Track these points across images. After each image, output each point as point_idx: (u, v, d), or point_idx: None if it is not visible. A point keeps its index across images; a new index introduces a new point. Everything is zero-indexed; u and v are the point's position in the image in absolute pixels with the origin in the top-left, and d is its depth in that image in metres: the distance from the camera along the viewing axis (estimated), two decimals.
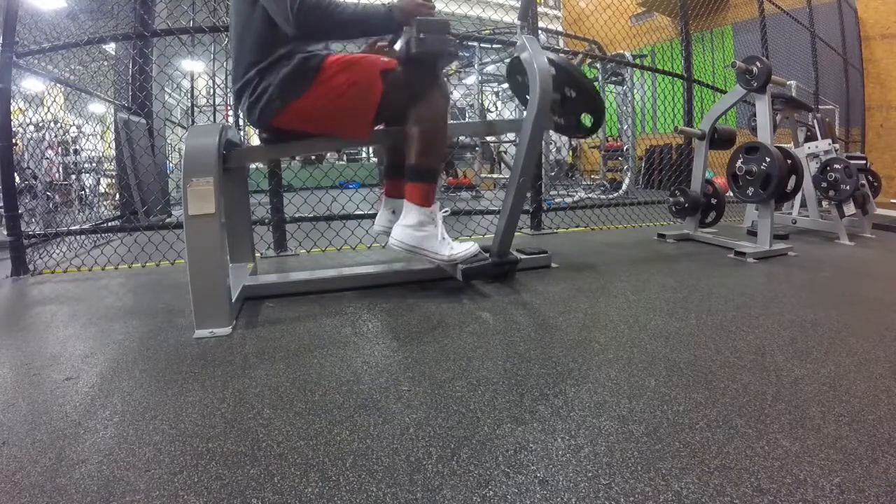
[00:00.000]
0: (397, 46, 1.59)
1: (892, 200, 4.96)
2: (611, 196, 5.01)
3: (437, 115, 1.48)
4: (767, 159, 2.11)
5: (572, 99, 1.75)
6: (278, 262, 2.21)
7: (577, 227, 3.09)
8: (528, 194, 2.83)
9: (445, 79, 1.63)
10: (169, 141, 4.77)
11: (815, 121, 3.08)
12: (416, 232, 1.48)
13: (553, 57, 1.69)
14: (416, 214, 1.47)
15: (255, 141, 1.71)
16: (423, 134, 1.45)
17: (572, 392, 0.89)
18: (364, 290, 1.62)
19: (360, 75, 1.40)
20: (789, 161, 2.34)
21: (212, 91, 7.68)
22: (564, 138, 6.58)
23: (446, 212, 1.60)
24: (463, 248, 1.53)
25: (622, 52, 5.09)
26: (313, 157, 8.03)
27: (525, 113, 1.65)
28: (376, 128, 1.54)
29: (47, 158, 3.94)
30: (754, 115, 2.47)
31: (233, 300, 1.31)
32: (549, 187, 5.75)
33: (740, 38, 6.51)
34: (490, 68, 6.90)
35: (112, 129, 4.10)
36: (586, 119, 1.79)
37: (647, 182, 6.51)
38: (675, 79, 3.80)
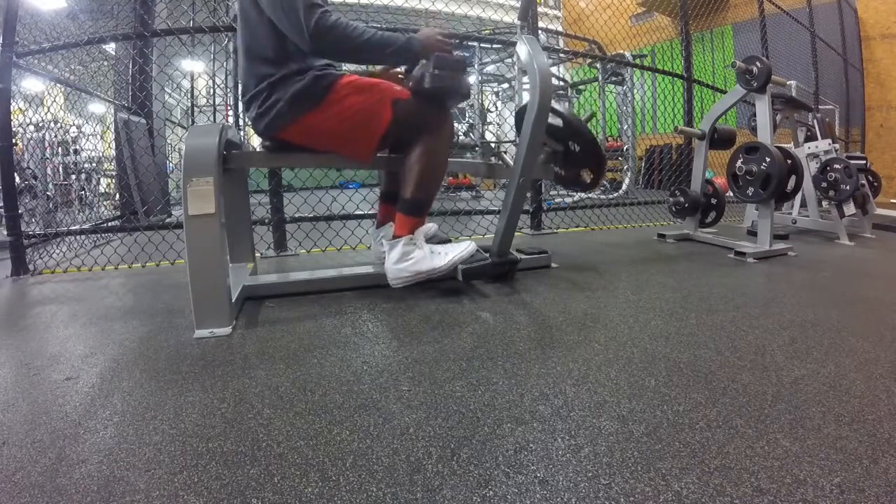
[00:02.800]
0: (414, 71, 1.59)
1: (892, 200, 4.96)
2: (611, 196, 5.01)
3: (439, 152, 1.49)
4: (767, 159, 2.11)
5: (575, 153, 1.77)
6: (278, 262, 2.21)
7: (577, 227, 3.09)
8: (528, 194, 2.83)
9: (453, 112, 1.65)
10: (169, 141, 4.77)
11: (815, 121, 3.08)
12: (405, 263, 1.47)
13: (562, 111, 1.73)
14: (399, 247, 1.47)
15: (256, 141, 1.71)
16: (423, 169, 1.45)
17: (572, 392, 0.89)
18: (364, 290, 1.62)
19: (371, 101, 1.40)
20: (789, 161, 2.34)
21: (212, 91, 7.68)
22: None
23: (433, 226, 1.60)
24: (459, 249, 1.52)
25: (622, 52, 5.09)
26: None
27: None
28: (379, 154, 1.54)
29: (47, 159, 3.94)
30: (754, 115, 2.47)
31: (233, 300, 1.31)
32: (549, 187, 5.75)
33: (740, 38, 6.51)
34: (490, 68, 6.90)
35: (112, 129, 4.10)
36: (586, 175, 1.81)
37: (647, 182, 6.52)
38: (675, 79, 3.80)
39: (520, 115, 1.86)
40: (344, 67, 1.66)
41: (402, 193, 1.49)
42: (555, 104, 1.67)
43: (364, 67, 1.78)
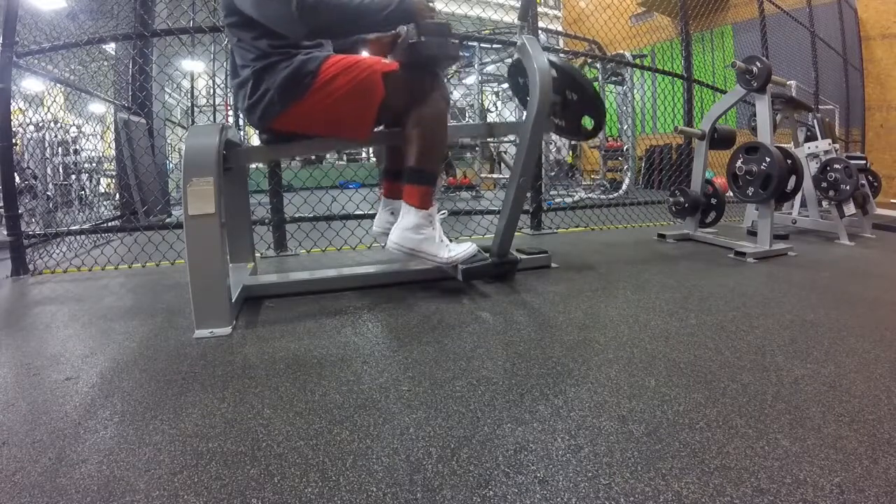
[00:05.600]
0: (399, 42, 1.56)
1: (892, 200, 4.96)
2: (611, 196, 5.01)
3: (437, 118, 1.48)
4: (767, 159, 2.11)
5: (573, 102, 1.75)
6: (278, 262, 2.21)
7: (577, 227, 3.09)
8: (528, 194, 2.83)
9: (445, 80, 1.62)
10: (169, 141, 4.77)
11: (815, 121, 3.08)
12: (414, 235, 1.47)
13: (554, 59, 1.68)
14: (414, 217, 1.47)
15: (255, 141, 1.71)
16: (422, 136, 1.44)
17: (572, 392, 0.89)
18: (364, 290, 1.62)
19: (360, 77, 1.38)
20: (789, 161, 2.34)
21: (212, 91, 7.69)
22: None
23: (444, 213, 1.60)
24: (461, 249, 1.53)
25: (622, 52, 5.09)
26: (313, 157, 8.04)
27: (525, 114, 1.65)
28: (377, 129, 1.53)
29: (47, 159, 3.94)
30: (754, 115, 2.47)
31: (233, 300, 1.31)
32: (549, 187, 5.75)
33: (740, 38, 6.51)
34: (490, 68, 6.90)
35: (112, 129, 4.10)
36: (587, 122, 1.79)
37: (647, 182, 6.51)
38: (675, 79, 3.80)
39: (513, 72, 1.84)
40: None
41: (406, 164, 1.47)
42: (549, 56, 1.64)
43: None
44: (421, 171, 1.47)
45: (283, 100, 1.36)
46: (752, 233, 2.53)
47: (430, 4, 1.41)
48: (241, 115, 2.87)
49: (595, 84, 5.94)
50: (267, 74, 1.36)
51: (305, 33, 1.31)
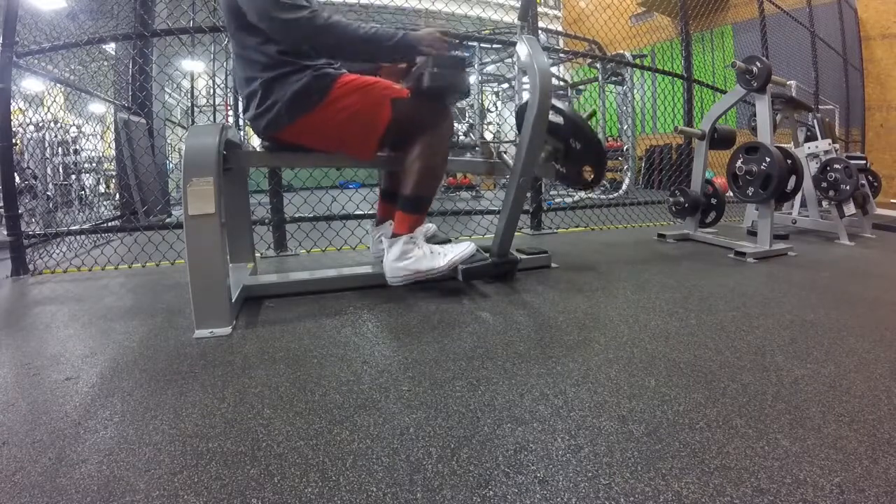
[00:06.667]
0: (413, 70, 1.58)
1: (892, 200, 4.96)
2: (611, 196, 5.01)
3: (439, 149, 1.49)
4: (767, 159, 2.11)
5: (577, 151, 1.77)
6: (278, 262, 2.21)
7: (577, 227, 3.09)
8: (528, 194, 2.83)
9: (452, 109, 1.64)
10: (169, 141, 4.77)
11: (815, 121, 3.08)
12: (404, 262, 1.48)
13: (563, 108, 1.72)
14: (399, 245, 1.48)
15: (255, 141, 1.71)
16: (423, 166, 1.46)
17: (572, 392, 0.89)
18: (364, 290, 1.62)
19: (369, 100, 1.40)
20: (789, 161, 2.34)
21: (212, 91, 7.69)
22: None
23: (429, 227, 1.61)
24: (458, 250, 1.52)
25: (622, 52, 5.09)
26: None
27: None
28: (379, 153, 1.54)
29: (47, 159, 3.93)
30: (754, 115, 2.47)
31: (233, 300, 1.31)
32: (549, 187, 5.75)
33: (740, 38, 6.51)
34: (490, 68, 6.90)
35: (112, 129, 4.10)
36: (587, 173, 1.81)
37: (646, 182, 6.51)
38: (675, 79, 3.80)
39: (520, 113, 1.86)
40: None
41: (401, 191, 1.49)
42: (556, 102, 1.67)
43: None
44: (418, 198, 1.48)
45: (290, 113, 1.37)
46: (752, 233, 2.53)
47: (445, 37, 1.41)
48: (241, 116, 2.87)
49: (595, 84, 5.94)
50: (277, 85, 1.36)
51: (307, 49, 1.33)
